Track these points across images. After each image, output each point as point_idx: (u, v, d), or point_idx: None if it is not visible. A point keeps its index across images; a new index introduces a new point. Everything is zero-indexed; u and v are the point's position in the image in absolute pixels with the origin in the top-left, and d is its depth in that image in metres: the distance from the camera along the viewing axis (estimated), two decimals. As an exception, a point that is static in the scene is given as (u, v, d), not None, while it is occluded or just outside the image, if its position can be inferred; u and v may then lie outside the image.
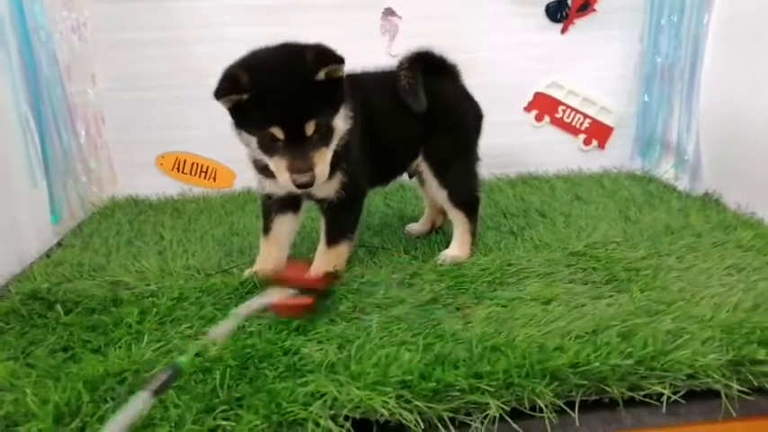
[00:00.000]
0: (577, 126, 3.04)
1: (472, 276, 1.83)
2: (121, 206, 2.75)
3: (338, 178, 1.81)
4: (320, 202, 1.87)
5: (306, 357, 1.38)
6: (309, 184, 1.64)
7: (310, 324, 1.55)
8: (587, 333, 1.41)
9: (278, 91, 1.62)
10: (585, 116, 3.03)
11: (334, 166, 1.75)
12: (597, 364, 1.25)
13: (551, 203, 2.57)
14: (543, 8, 2.87)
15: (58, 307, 1.70)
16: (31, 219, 2.21)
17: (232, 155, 2.90)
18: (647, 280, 1.76)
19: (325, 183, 1.77)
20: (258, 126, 1.65)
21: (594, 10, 2.87)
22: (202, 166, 2.94)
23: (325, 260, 1.88)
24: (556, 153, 3.03)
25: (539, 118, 3.01)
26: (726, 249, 1.98)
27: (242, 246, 2.22)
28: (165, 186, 2.91)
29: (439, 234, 2.28)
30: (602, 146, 3.08)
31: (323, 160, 1.66)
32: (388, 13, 2.78)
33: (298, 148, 1.63)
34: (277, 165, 1.66)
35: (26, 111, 2.21)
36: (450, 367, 1.27)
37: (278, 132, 1.62)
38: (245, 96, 1.62)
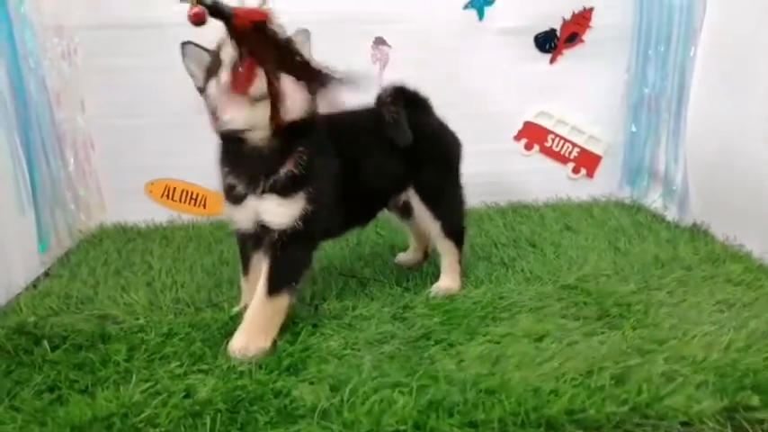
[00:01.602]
0: (566, 155, 3.06)
1: (464, 310, 1.82)
2: (109, 234, 2.72)
3: (300, 202, 1.70)
4: (272, 236, 1.71)
5: (297, 400, 1.36)
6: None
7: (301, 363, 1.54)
8: (581, 375, 1.41)
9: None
10: (574, 145, 3.05)
11: (298, 185, 1.69)
12: (592, 411, 1.24)
13: (541, 233, 2.57)
14: (532, 39, 2.90)
15: (45, 343, 1.66)
16: (18, 247, 2.18)
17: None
18: (638, 316, 1.76)
19: (284, 206, 1.69)
20: (214, 64, 1.63)
21: (582, 41, 2.90)
22: (192, 193, 2.92)
23: (262, 313, 1.67)
24: (545, 181, 3.05)
25: (528, 146, 3.03)
26: (715, 284, 1.98)
27: (231, 276, 2.19)
28: (153, 213, 2.89)
29: (430, 265, 2.28)
30: (590, 174, 3.10)
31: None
32: (379, 42, 2.79)
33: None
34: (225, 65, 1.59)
35: (14, 138, 2.19)
36: (444, 415, 1.25)
37: (227, 53, 1.58)
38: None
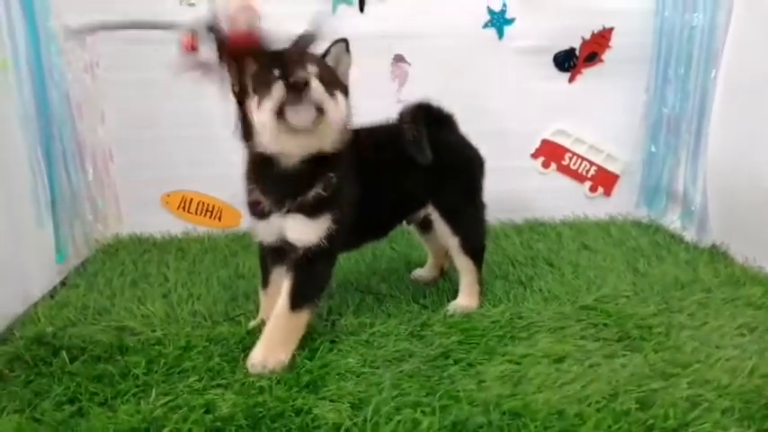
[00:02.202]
0: (583, 173, 3.06)
1: (482, 329, 1.81)
2: (125, 245, 2.73)
3: (326, 222, 1.71)
4: (296, 253, 1.73)
5: (319, 418, 1.35)
6: (303, 83, 1.51)
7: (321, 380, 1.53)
8: (605, 398, 1.40)
9: (284, 51, 1.60)
10: (592, 163, 3.05)
11: (325, 206, 1.70)
12: (619, 437, 1.23)
13: (559, 252, 2.56)
14: (551, 57, 2.90)
15: (64, 354, 1.67)
16: (35, 258, 2.19)
17: (238, 194, 2.91)
18: (659, 339, 1.75)
19: (310, 226, 1.70)
20: (260, 81, 1.59)
21: (602, 60, 2.91)
22: (208, 205, 2.93)
23: (283, 327, 1.68)
24: (562, 199, 3.04)
25: (545, 164, 3.03)
26: (736, 307, 1.97)
27: (247, 289, 2.20)
28: (169, 224, 2.89)
29: (446, 281, 2.27)
30: (607, 193, 3.09)
31: (320, 91, 1.55)
32: (399, 59, 2.80)
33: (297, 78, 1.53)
34: (273, 94, 1.54)
35: (36, 150, 2.20)
36: (470, 437, 1.25)
37: (277, 72, 1.55)
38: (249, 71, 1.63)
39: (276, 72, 1.56)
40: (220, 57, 1.59)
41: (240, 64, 1.59)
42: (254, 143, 1.66)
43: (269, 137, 1.61)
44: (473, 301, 2.03)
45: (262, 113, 1.58)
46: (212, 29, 1.54)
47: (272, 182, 1.71)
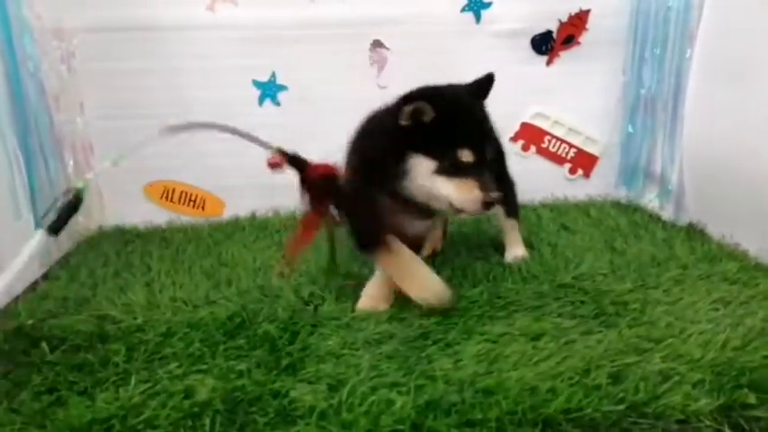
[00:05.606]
0: (563, 155, 3.08)
1: (462, 310, 1.83)
2: (108, 236, 2.73)
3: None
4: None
5: (296, 401, 1.36)
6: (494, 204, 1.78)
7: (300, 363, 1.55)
8: (578, 373, 1.41)
9: (464, 114, 1.82)
10: (571, 146, 3.07)
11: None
12: (589, 410, 1.25)
13: (538, 233, 2.58)
14: (529, 41, 2.91)
15: (43, 344, 1.67)
16: (16, 251, 2.17)
17: (221, 183, 2.92)
18: (634, 315, 1.77)
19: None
20: (442, 149, 1.74)
21: (579, 43, 2.92)
22: (191, 194, 2.93)
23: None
24: (542, 182, 3.06)
25: (525, 148, 3.05)
26: (712, 282, 1.99)
27: (230, 277, 2.20)
28: (152, 214, 2.89)
29: (428, 263, 2.28)
30: (587, 175, 3.12)
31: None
32: (377, 44, 2.80)
33: (483, 170, 1.77)
34: (463, 185, 1.75)
35: (13, 142, 2.19)
36: (442, 414, 1.26)
37: (467, 155, 1.74)
38: (426, 118, 1.74)
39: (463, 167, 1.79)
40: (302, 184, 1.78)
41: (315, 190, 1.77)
42: None
43: None
44: (524, 249, 2.31)
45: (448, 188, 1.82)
46: (295, 159, 1.73)
47: None
